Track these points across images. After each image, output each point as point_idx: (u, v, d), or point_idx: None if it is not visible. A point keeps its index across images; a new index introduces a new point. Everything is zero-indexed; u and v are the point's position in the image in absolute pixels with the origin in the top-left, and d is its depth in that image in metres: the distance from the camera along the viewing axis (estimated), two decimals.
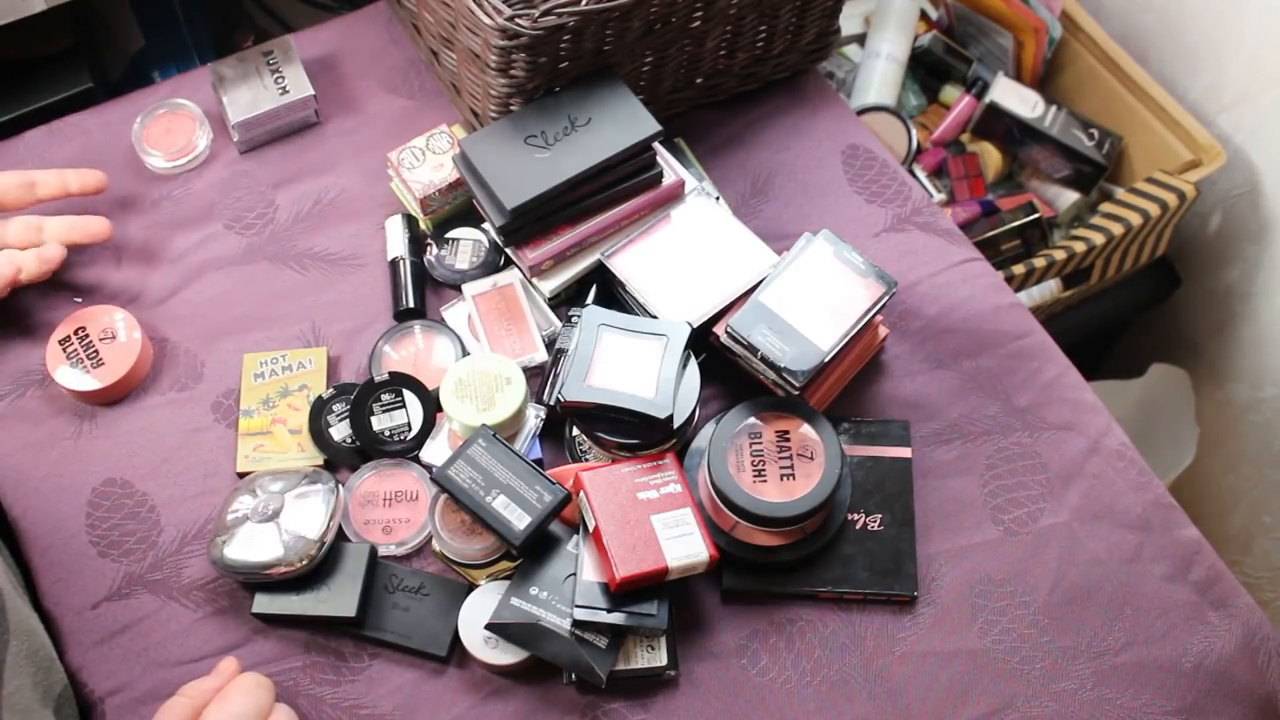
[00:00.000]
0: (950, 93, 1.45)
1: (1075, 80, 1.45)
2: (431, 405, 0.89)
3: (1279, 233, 1.32)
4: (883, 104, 1.38)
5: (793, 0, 1.02)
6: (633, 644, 0.81)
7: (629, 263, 0.92)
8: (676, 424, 0.83)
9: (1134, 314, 1.47)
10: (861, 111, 1.35)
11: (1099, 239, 1.29)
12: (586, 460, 0.88)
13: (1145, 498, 0.90)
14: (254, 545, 0.82)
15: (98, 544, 0.87)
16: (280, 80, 1.05)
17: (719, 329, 0.89)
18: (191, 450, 0.90)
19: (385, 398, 0.89)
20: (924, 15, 1.47)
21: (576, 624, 0.79)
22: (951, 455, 0.92)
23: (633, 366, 0.84)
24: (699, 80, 1.05)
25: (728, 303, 0.90)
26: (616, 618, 0.79)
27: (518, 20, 0.86)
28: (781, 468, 0.84)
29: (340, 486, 0.85)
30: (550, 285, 0.94)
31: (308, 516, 0.82)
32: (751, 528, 0.84)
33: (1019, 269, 1.28)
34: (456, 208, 1.00)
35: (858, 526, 0.87)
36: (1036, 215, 1.33)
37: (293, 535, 0.82)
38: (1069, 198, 1.40)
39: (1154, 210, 1.29)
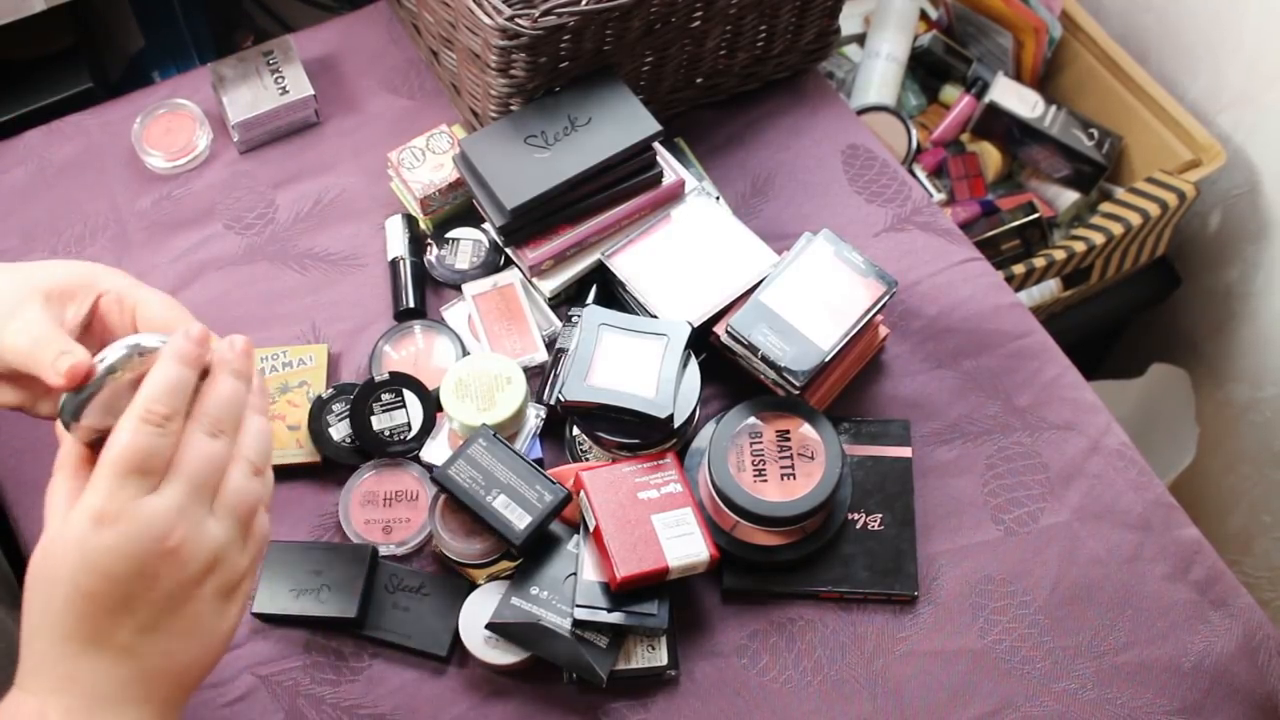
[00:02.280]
0: (950, 93, 1.45)
1: (1075, 80, 1.45)
2: (431, 405, 0.89)
3: (1279, 233, 1.32)
4: (883, 104, 1.38)
5: (793, 0, 1.02)
6: (633, 644, 0.81)
7: (629, 263, 0.92)
8: (677, 424, 0.83)
9: (1134, 314, 1.47)
10: (861, 111, 1.35)
11: (1099, 239, 1.29)
12: (587, 460, 0.88)
13: (1145, 497, 0.91)
14: None
15: None
16: (280, 80, 1.05)
17: (719, 329, 0.89)
18: None
19: (385, 397, 0.89)
20: (924, 15, 1.47)
21: (577, 624, 0.79)
22: (952, 455, 0.92)
23: (633, 366, 0.84)
24: (699, 80, 1.05)
25: (728, 302, 0.90)
26: (617, 617, 0.79)
27: (518, 20, 0.86)
28: (782, 467, 0.84)
29: None
30: (550, 285, 0.94)
31: None
32: (752, 527, 0.84)
33: (1019, 269, 1.28)
34: (456, 208, 1.00)
35: (858, 526, 0.87)
36: (1036, 215, 1.33)
37: None
38: (1069, 198, 1.40)
39: (1154, 210, 1.29)
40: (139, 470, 0.58)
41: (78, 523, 0.57)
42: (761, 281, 0.90)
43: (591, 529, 0.81)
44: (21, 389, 0.71)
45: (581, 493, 0.82)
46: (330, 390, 0.91)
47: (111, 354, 0.62)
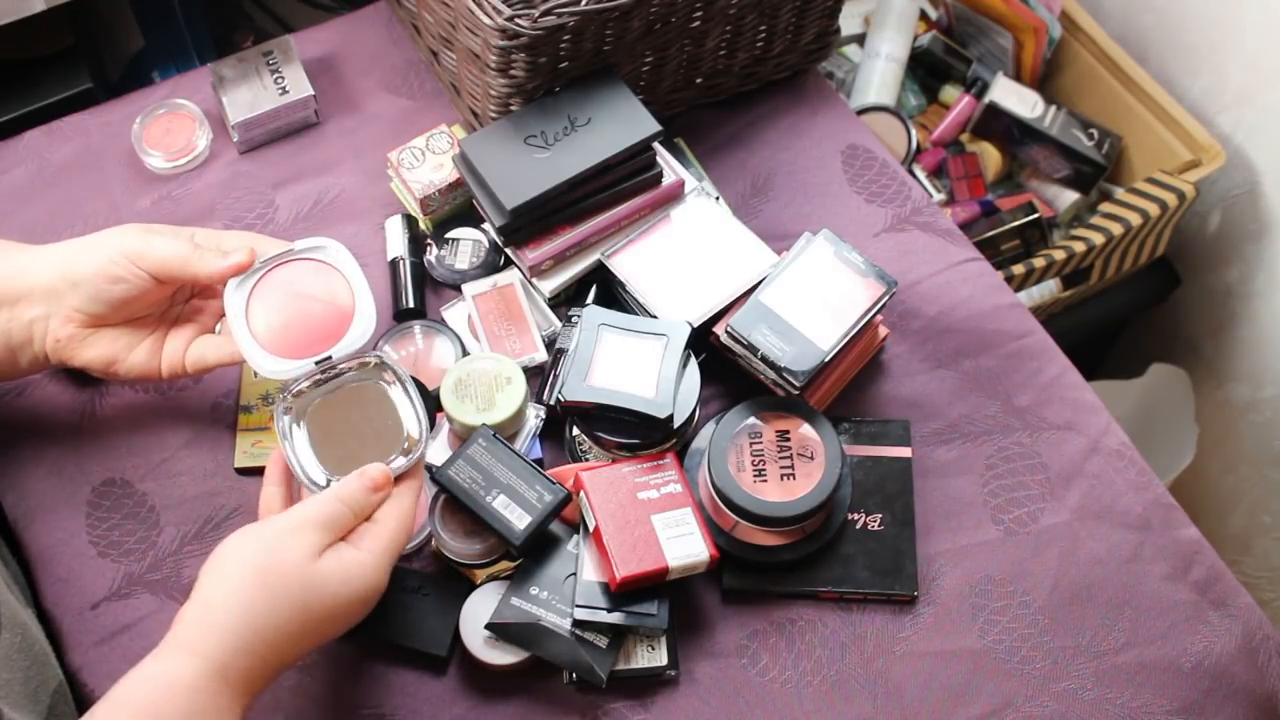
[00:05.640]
0: (950, 93, 1.45)
1: (1075, 80, 1.45)
2: (431, 405, 0.89)
3: (1278, 233, 1.32)
4: (882, 104, 1.38)
5: (793, 0, 1.02)
6: (633, 644, 0.81)
7: (629, 263, 0.92)
8: (676, 424, 0.83)
9: (1134, 314, 1.47)
10: (861, 111, 1.35)
11: (1099, 239, 1.29)
12: (586, 460, 0.88)
13: (1145, 497, 0.91)
14: None
15: (98, 544, 0.86)
16: (280, 80, 1.05)
17: (719, 329, 0.89)
18: (191, 450, 0.90)
19: None
20: (924, 15, 1.47)
21: (576, 624, 0.79)
22: (951, 455, 0.92)
23: (633, 366, 0.84)
24: (699, 80, 1.05)
25: (728, 303, 0.90)
26: (616, 617, 0.79)
27: (518, 20, 0.86)
28: (782, 467, 0.84)
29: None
30: (550, 285, 0.94)
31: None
32: (752, 527, 0.84)
33: (1019, 269, 1.28)
34: (456, 208, 1.00)
35: (858, 526, 0.87)
36: (1036, 215, 1.33)
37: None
38: (1069, 198, 1.40)
39: (1153, 210, 1.29)
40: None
41: (376, 589, 0.71)
42: (761, 281, 0.90)
43: (591, 529, 0.81)
44: (121, 335, 0.82)
45: (581, 493, 0.82)
46: None
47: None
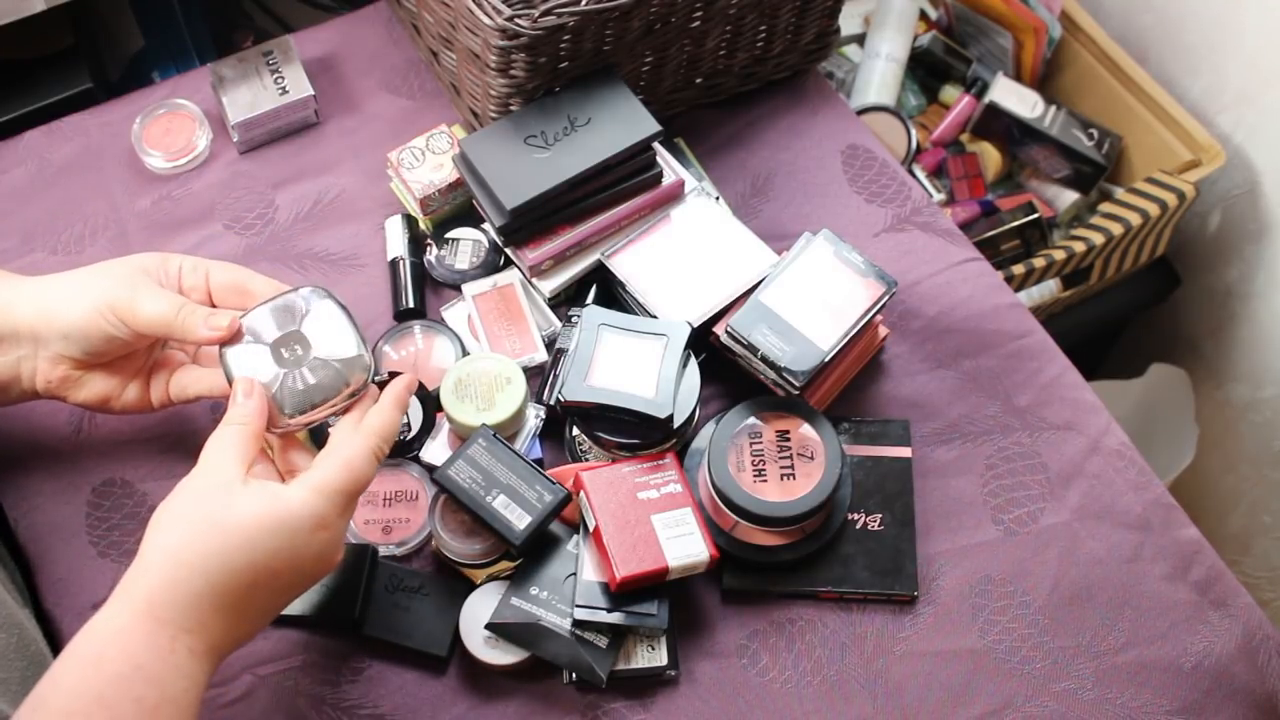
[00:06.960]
0: (950, 93, 1.45)
1: (1075, 80, 1.45)
2: (431, 405, 0.89)
3: (1278, 233, 1.32)
4: (882, 104, 1.38)
5: (793, 0, 1.02)
6: (633, 644, 0.81)
7: (629, 263, 0.92)
8: (676, 424, 0.83)
9: (1134, 314, 1.47)
10: (861, 111, 1.35)
11: (1098, 239, 1.29)
12: (586, 460, 0.88)
13: (1145, 497, 0.91)
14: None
15: (98, 544, 0.86)
16: (280, 80, 1.05)
17: (719, 329, 0.89)
18: (191, 450, 0.89)
19: None
20: (923, 15, 1.47)
21: (576, 624, 0.79)
22: (951, 455, 0.92)
23: (633, 366, 0.85)
24: (699, 80, 1.05)
25: (728, 303, 0.90)
26: (616, 617, 0.79)
27: (518, 20, 0.86)
28: (782, 467, 0.84)
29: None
30: (550, 285, 0.94)
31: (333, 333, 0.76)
32: (751, 527, 0.84)
33: (1019, 269, 1.28)
34: (456, 208, 1.00)
35: (858, 526, 0.87)
36: (1036, 215, 1.33)
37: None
38: (1069, 198, 1.40)
39: (1153, 210, 1.29)
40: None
41: (297, 517, 0.67)
42: (761, 281, 0.90)
43: (591, 529, 0.81)
44: (113, 375, 0.82)
45: (581, 493, 0.82)
46: None
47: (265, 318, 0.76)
